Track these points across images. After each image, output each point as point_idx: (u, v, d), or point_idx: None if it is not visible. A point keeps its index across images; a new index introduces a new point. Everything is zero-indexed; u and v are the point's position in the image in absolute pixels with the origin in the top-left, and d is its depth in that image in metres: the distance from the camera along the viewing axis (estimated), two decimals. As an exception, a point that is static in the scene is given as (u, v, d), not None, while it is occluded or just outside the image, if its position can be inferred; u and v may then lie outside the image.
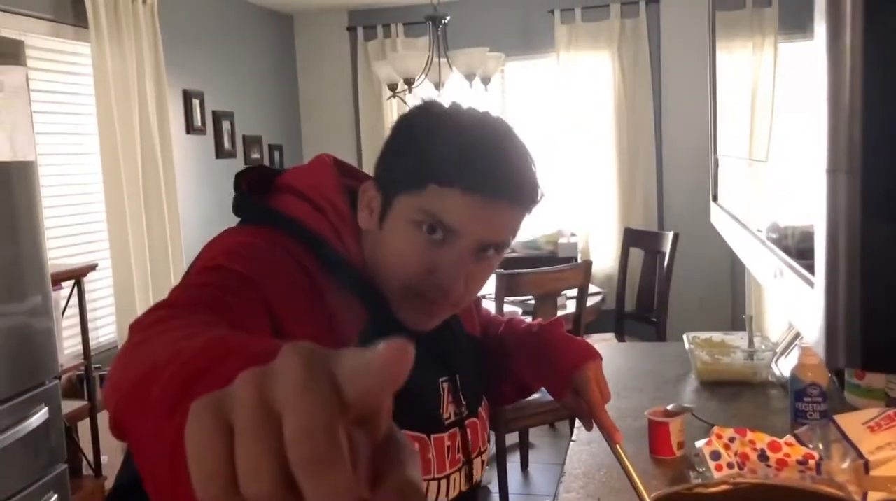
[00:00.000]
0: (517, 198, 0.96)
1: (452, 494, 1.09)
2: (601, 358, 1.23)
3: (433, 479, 1.06)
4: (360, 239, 1.03)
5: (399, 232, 0.96)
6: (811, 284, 0.46)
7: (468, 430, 1.13)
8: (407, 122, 1.01)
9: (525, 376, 1.29)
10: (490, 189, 0.93)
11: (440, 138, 0.95)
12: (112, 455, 3.11)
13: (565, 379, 1.20)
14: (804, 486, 1.26)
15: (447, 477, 1.08)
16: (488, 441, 1.20)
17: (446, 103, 1.01)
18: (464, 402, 1.13)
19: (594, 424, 1.19)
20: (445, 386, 1.10)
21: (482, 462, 1.18)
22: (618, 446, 1.15)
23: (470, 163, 0.93)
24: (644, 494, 1.10)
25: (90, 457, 2.94)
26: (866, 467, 1.26)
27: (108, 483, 3.00)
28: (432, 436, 1.06)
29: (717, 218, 1.04)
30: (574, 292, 3.53)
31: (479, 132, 0.96)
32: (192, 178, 4.29)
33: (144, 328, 0.76)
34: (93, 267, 3.01)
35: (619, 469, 1.56)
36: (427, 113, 1.00)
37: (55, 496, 2.31)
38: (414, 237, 0.95)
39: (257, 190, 1.05)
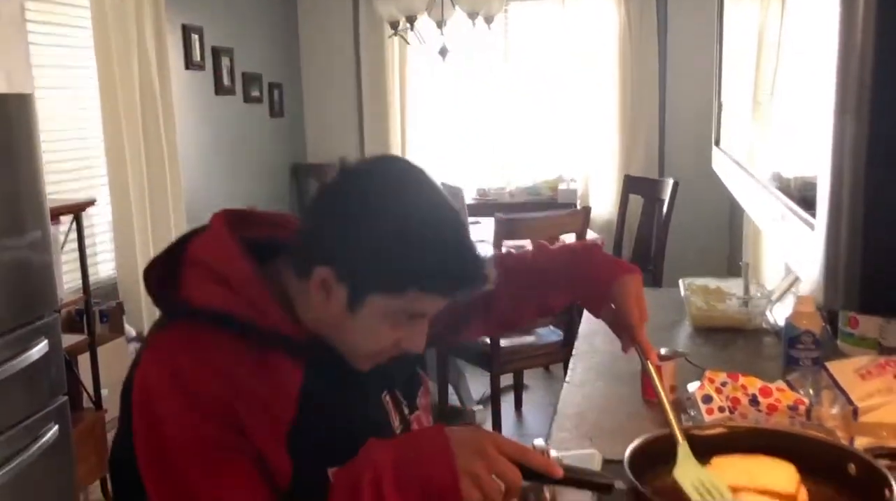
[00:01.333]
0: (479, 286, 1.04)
1: None
2: (641, 275, 1.25)
3: None
4: (284, 297, 1.05)
5: (374, 324, 1.01)
6: (812, 226, 0.46)
7: (413, 426, 1.18)
8: (368, 209, 0.99)
9: (559, 290, 1.30)
10: (465, 288, 1.02)
11: (416, 244, 0.98)
12: (112, 388, 3.14)
13: (604, 291, 1.22)
14: (795, 431, 1.28)
15: None
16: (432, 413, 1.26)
17: (393, 174, 1.03)
18: (405, 402, 1.18)
19: (629, 342, 1.21)
20: (388, 399, 1.15)
21: None
22: (651, 366, 1.18)
23: (450, 272, 0.99)
24: (670, 413, 1.14)
25: (90, 390, 2.98)
26: (855, 413, 1.28)
27: (109, 416, 3.04)
28: None
29: (719, 163, 1.03)
30: (572, 238, 3.53)
31: (447, 229, 1.01)
32: (191, 114, 4.25)
33: None
34: (91, 202, 3.00)
35: (611, 410, 1.59)
36: (385, 198, 1.00)
37: (56, 426, 2.34)
38: (387, 326, 1.02)
39: (168, 273, 1.06)
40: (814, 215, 0.46)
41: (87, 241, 3.04)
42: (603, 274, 1.24)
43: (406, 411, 1.18)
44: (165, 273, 1.06)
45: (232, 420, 0.96)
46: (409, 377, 1.21)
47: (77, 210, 2.89)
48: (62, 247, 2.91)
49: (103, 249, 3.66)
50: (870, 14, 0.40)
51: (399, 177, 1.03)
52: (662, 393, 1.17)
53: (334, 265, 0.99)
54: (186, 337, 1.01)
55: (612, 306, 1.22)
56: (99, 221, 3.59)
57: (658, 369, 1.58)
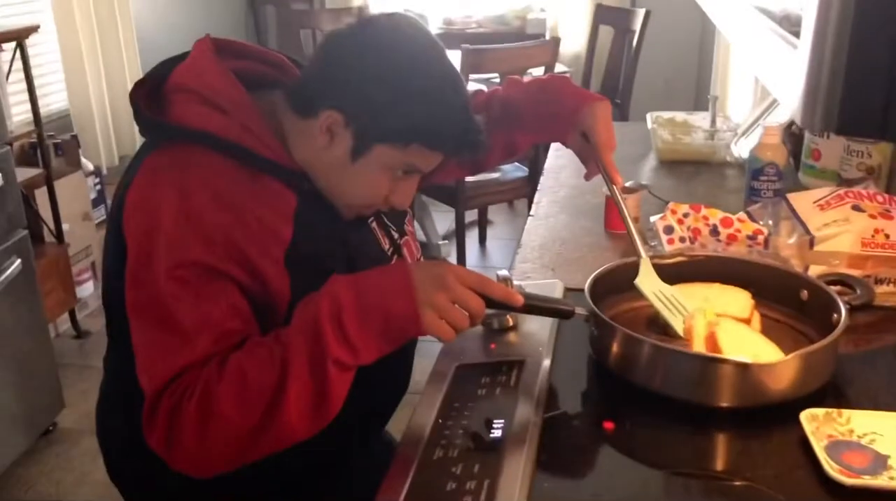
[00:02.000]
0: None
1: None
2: (609, 103, 1.25)
3: None
4: (277, 130, 1.05)
5: (372, 173, 1.04)
6: (794, 46, 0.44)
7: (404, 250, 1.21)
8: (382, 60, 1.01)
9: (526, 128, 1.32)
10: (466, 151, 1.07)
11: (431, 101, 1.00)
12: (72, 223, 3.11)
13: (571, 116, 1.23)
14: (750, 259, 1.32)
15: None
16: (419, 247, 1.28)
17: (413, 32, 1.04)
18: (393, 227, 1.20)
19: (596, 168, 1.22)
20: (375, 225, 1.17)
21: None
22: (616, 189, 1.20)
23: (457, 134, 1.03)
24: (634, 232, 1.18)
25: (51, 225, 2.95)
26: (811, 243, 1.32)
27: (71, 250, 3.03)
28: None
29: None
30: (540, 71, 3.46)
31: (459, 93, 1.04)
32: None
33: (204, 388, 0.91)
34: (35, 28, 2.83)
35: (574, 242, 1.62)
36: (404, 54, 1.02)
37: (18, 260, 2.32)
38: (385, 178, 1.05)
39: (154, 98, 1.03)
40: (797, 35, 0.44)
41: (35, 72, 2.90)
42: (571, 103, 1.24)
43: (395, 236, 1.20)
44: (149, 99, 1.04)
45: (229, 243, 0.97)
46: None
47: (20, 36, 2.73)
48: (7, 78, 2.78)
49: (54, 80, 3.50)
50: None
51: (418, 37, 1.05)
52: (626, 213, 1.18)
53: (345, 110, 1.01)
54: (183, 158, 1.00)
55: (580, 134, 1.22)
56: (46, 50, 3.42)
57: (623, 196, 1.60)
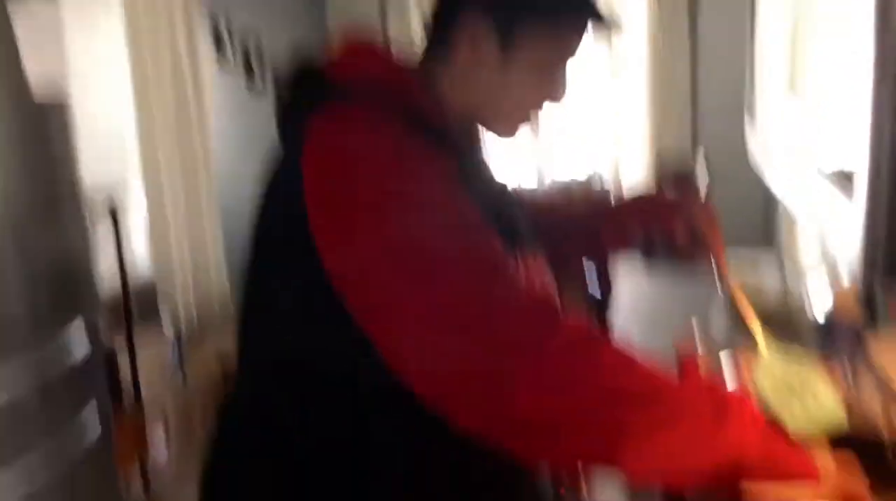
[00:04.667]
0: None
1: None
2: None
3: None
4: (439, 92, 1.02)
5: (529, 68, 0.99)
6: (850, 198, 0.46)
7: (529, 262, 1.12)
8: None
9: (629, 215, 1.30)
10: (601, 12, 1.00)
11: None
12: (150, 388, 3.19)
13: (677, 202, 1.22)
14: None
15: None
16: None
17: None
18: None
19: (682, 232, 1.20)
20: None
21: None
22: (734, 286, 1.11)
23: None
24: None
25: (129, 390, 3.03)
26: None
27: (148, 416, 3.09)
28: None
29: (754, 144, 1.02)
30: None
31: None
32: (225, 113, 4.28)
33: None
34: (126, 196, 3.03)
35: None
36: None
37: (98, 426, 2.37)
38: (544, 71, 1.01)
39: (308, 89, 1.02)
40: (851, 192, 0.45)
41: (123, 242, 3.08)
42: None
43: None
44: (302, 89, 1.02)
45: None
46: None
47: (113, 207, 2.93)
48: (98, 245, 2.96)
49: (138, 249, 3.70)
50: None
51: None
52: (752, 316, 1.06)
53: (481, 10, 0.97)
54: (356, 114, 0.92)
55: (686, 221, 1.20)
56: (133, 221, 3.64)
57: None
